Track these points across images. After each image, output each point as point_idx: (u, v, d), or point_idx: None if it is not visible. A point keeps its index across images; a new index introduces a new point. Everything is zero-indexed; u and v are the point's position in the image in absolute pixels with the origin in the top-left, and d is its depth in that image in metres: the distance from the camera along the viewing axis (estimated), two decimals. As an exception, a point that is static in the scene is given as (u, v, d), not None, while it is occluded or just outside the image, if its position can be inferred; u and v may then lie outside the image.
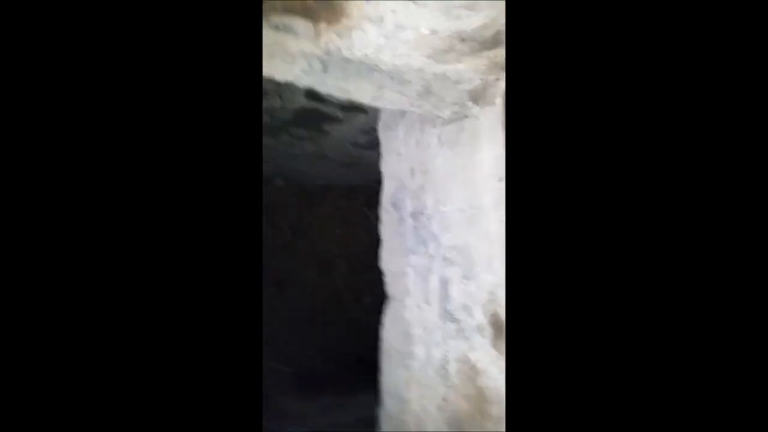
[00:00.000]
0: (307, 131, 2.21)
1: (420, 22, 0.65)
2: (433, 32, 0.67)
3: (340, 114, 1.97)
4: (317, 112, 1.95)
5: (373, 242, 1.40)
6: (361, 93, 0.90)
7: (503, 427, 0.91)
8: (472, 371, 1.03)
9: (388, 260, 1.34)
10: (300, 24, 0.61)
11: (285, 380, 2.73)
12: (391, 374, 1.30)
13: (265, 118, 2.00)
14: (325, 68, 0.76)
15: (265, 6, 0.59)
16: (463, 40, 0.71)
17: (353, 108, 1.88)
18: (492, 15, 0.65)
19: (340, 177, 3.26)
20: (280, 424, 2.09)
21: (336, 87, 0.87)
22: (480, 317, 1.01)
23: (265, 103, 1.83)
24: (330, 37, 0.65)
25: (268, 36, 0.65)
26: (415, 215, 1.22)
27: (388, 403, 1.30)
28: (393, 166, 1.32)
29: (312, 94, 1.79)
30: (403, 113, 1.21)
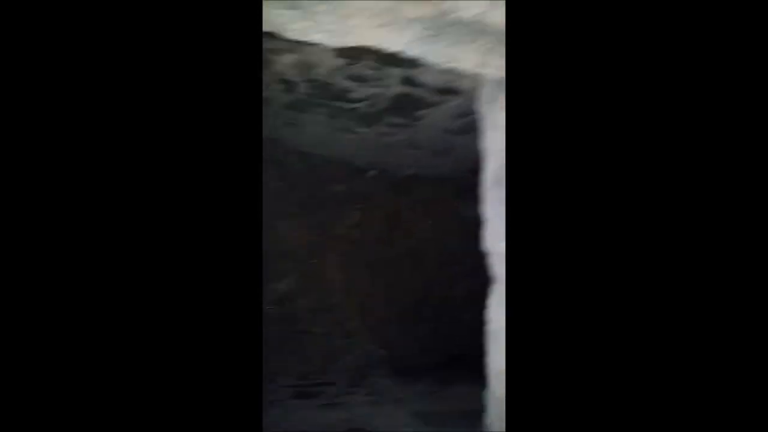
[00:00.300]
0: (403, 118, 2.25)
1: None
2: None
3: (435, 98, 1.97)
4: (413, 97, 1.97)
5: (464, 232, 1.38)
6: (467, 60, 0.89)
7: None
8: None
9: (493, 241, 1.30)
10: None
11: (381, 363, 2.81)
12: (498, 356, 1.26)
13: (364, 106, 2.08)
14: (436, 33, 0.76)
15: None
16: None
17: (449, 90, 1.86)
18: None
19: (430, 167, 3.25)
20: (377, 402, 2.16)
21: (443, 54, 0.87)
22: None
23: (365, 91, 1.90)
24: (439, 5, 0.65)
25: (381, 5, 0.68)
26: (520, 190, 1.17)
27: (495, 385, 1.27)
28: (494, 142, 1.28)
29: (408, 80, 1.81)
30: (503, 84, 1.17)
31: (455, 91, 1.86)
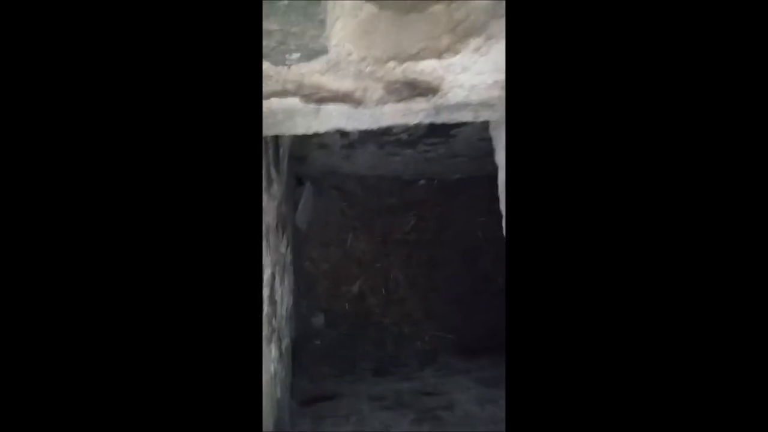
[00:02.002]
0: (438, 138, 2.68)
1: (485, 76, 1.04)
2: (496, 81, 1.06)
3: (460, 123, 2.37)
4: (443, 124, 2.39)
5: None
6: (464, 117, 1.32)
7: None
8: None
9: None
10: (419, 99, 1.08)
11: (448, 345, 3.22)
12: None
13: (404, 136, 2.54)
14: (437, 113, 1.21)
15: (396, 87, 1.06)
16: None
17: (466, 124, 2.25)
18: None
19: (474, 169, 3.61)
20: (446, 375, 2.58)
21: (447, 117, 1.31)
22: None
23: (404, 126, 2.35)
24: (435, 101, 1.10)
25: (399, 106, 1.14)
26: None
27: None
28: (502, 158, 1.68)
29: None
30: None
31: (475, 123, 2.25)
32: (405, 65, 0.92)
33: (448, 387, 2.35)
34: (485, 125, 2.56)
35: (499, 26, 0.86)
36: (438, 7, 0.77)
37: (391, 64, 0.91)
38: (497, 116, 1.38)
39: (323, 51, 0.80)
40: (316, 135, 2.39)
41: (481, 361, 2.86)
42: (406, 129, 2.44)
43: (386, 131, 2.42)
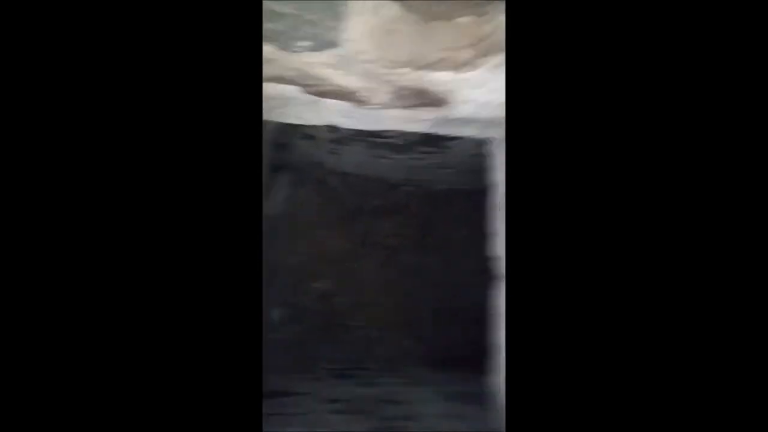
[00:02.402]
0: (432, 148, 2.63)
1: (498, 94, 1.00)
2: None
3: (457, 137, 2.32)
4: (440, 135, 2.34)
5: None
6: (468, 132, 1.28)
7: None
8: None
9: (500, 248, 1.68)
10: (426, 109, 1.02)
11: (417, 355, 3.17)
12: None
13: (398, 141, 2.48)
14: (440, 125, 1.16)
15: (405, 93, 1.01)
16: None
17: (465, 138, 2.21)
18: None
19: (460, 182, 3.58)
20: (410, 385, 2.53)
21: (450, 131, 1.26)
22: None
23: (398, 131, 2.29)
24: (442, 112, 1.04)
25: (403, 113, 1.08)
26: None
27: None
28: (498, 176, 1.66)
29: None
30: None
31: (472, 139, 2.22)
32: (419, 73, 0.86)
33: (411, 397, 2.31)
34: (482, 142, 2.54)
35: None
36: (465, 19, 0.72)
37: (405, 69, 0.85)
38: (503, 134, 1.35)
39: (335, 44, 0.74)
40: (305, 125, 2.30)
41: (449, 374, 2.82)
42: (402, 134, 2.38)
43: (380, 133, 2.35)
